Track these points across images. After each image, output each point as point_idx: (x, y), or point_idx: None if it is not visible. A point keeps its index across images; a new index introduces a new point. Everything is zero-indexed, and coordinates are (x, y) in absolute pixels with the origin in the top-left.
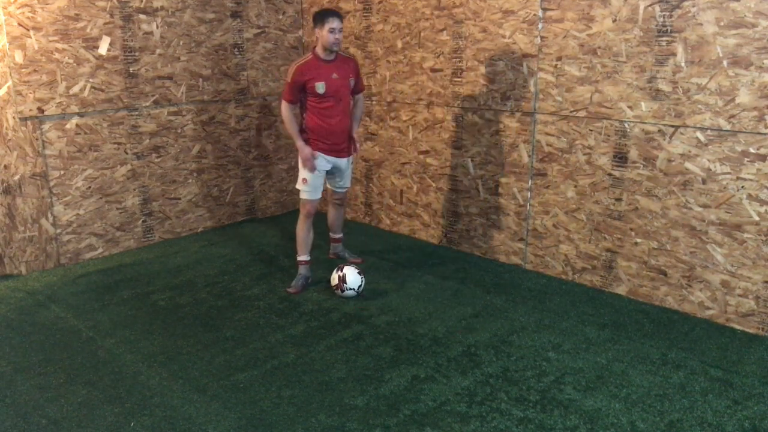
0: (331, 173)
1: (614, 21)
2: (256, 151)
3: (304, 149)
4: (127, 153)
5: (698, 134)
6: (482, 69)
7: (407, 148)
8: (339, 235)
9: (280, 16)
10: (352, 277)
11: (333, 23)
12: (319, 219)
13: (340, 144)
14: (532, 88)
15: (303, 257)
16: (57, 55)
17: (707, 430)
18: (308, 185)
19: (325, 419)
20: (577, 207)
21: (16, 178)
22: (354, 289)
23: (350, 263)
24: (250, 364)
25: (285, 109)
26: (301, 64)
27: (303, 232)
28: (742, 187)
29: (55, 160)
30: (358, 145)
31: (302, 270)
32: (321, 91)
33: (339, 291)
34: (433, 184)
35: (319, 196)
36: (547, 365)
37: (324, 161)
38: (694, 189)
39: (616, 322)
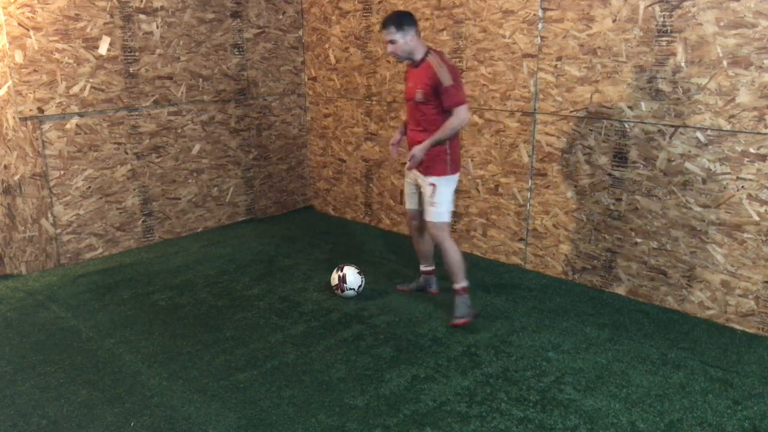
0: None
1: (614, 21)
2: (256, 151)
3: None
4: (127, 153)
5: (698, 134)
6: (482, 69)
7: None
8: (427, 268)
9: (280, 16)
10: (352, 277)
11: (383, 34)
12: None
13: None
14: (532, 88)
15: (421, 267)
16: (57, 55)
17: (707, 430)
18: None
19: (325, 419)
20: (577, 207)
21: (16, 178)
22: (354, 289)
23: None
24: (250, 364)
25: None
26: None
27: (412, 240)
28: (742, 187)
29: (55, 160)
30: (409, 156)
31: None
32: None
33: (339, 291)
34: None
35: (409, 206)
36: (547, 365)
37: (410, 172)
38: (694, 189)
39: (616, 322)
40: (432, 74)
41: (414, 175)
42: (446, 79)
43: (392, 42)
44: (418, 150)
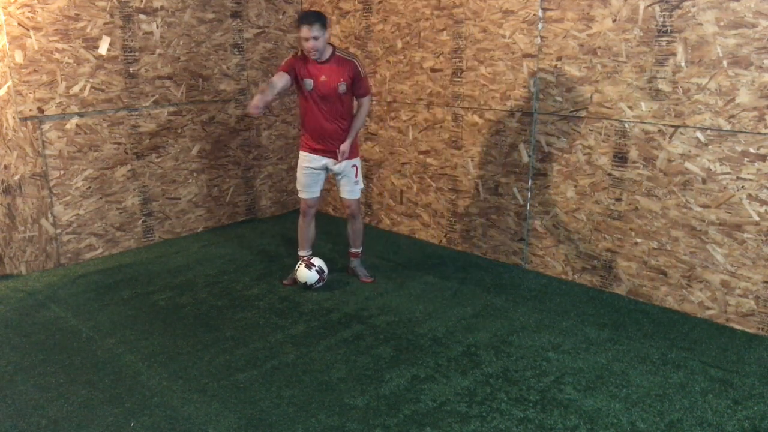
0: (336, 178)
1: (614, 21)
2: (256, 151)
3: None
4: (127, 153)
5: (698, 134)
6: (482, 69)
7: (407, 148)
8: (354, 250)
9: (280, 16)
10: (303, 274)
11: (302, 31)
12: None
13: (333, 146)
14: (532, 88)
15: (301, 252)
16: (57, 55)
17: (707, 430)
18: (299, 183)
19: (325, 419)
20: (577, 207)
21: (16, 178)
22: (301, 282)
23: (360, 279)
24: (250, 364)
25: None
26: (296, 55)
27: (300, 227)
28: (742, 187)
29: (55, 160)
30: (340, 154)
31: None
32: (309, 88)
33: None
34: (433, 184)
35: (311, 195)
36: (547, 365)
37: (314, 160)
38: (694, 189)
39: (616, 322)
40: (353, 66)
41: (325, 162)
42: (363, 71)
43: (315, 38)
44: (346, 145)
